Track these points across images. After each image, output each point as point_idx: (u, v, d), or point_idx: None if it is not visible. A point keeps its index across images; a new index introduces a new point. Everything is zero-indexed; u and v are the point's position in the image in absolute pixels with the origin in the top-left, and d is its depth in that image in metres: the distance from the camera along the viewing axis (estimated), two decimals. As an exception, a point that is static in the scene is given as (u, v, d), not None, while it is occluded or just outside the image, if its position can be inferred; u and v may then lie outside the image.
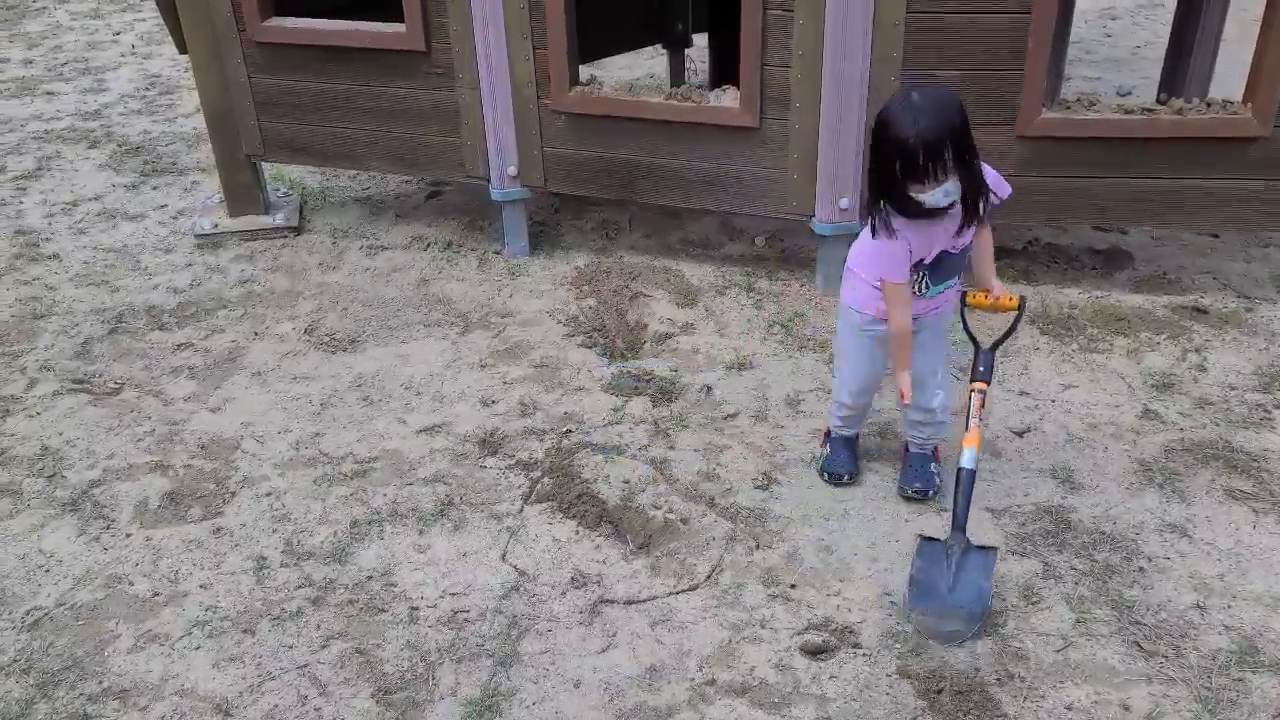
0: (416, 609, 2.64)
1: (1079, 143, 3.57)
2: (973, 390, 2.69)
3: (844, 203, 3.73)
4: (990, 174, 2.61)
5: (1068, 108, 3.61)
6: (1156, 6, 7.42)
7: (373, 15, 4.11)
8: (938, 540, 2.60)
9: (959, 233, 2.58)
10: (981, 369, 2.70)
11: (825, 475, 3.02)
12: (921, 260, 2.60)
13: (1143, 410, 3.28)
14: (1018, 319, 2.76)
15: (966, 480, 2.61)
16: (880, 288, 2.65)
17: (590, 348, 3.70)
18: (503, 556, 2.80)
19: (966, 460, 2.62)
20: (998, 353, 2.77)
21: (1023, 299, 2.75)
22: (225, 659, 2.52)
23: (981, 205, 2.56)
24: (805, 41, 3.53)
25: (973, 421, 2.65)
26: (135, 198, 5.02)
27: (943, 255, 2.61)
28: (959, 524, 2.60)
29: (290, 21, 4.15)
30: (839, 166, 3.68)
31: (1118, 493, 2.95)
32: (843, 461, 3.03)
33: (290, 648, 2.55)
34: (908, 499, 2.94)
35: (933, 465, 2.98)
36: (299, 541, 2.87)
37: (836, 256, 3.91)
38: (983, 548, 2.60)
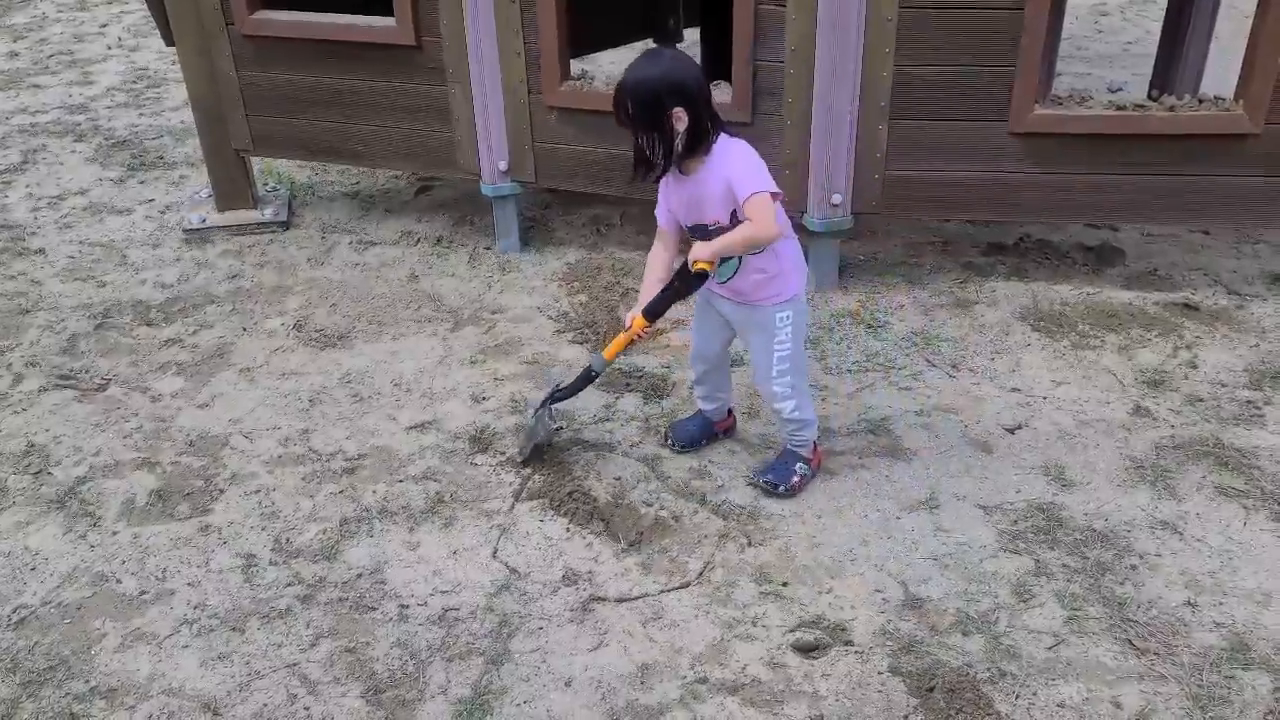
0: (406, 607, 2.63)
1: (1072, 139, 3.57)
2: (634, 319, 2.79)
3: (836, 198, 3.72)
4: (731, 161, 2.56)
5: (1060, 104, 3.60)
6: (1147, 2, 7.44)
7: (371, 7, 4.08)
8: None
9: (701, 207, 2.61)
10: (651, 305, 2.77)
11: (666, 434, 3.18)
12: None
13: (1134, 407, 3.28)
14: (688, 288, 2.73)
15: (583, 375, 2.96)
16: None
17: (581, 344, 3.68)
18: (493, 554, 2.78)
19: (595, 362, 2.93)
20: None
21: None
22: (213, 657, 2.50)
23: (647, 167, 2.56)
24: (798, 37, 3.52)
25: (620, 337, 2.82)
26: (122, 192, 4.98)
27: (695, 226, 2.67)
28: (555, 397, 3.00)
29: (278, 14, 4.12)
30: (832, 162, 3.66)
31: (1109, 490, 2.95)
32: (678, 427, 3.15)
33: (279, 646, 2.53)
34: (757, 487, 2.96)
35: (798, 465, 2.95)
36: (288, 539, 2.85)
37: (828, 252, 3.91)
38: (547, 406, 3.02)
